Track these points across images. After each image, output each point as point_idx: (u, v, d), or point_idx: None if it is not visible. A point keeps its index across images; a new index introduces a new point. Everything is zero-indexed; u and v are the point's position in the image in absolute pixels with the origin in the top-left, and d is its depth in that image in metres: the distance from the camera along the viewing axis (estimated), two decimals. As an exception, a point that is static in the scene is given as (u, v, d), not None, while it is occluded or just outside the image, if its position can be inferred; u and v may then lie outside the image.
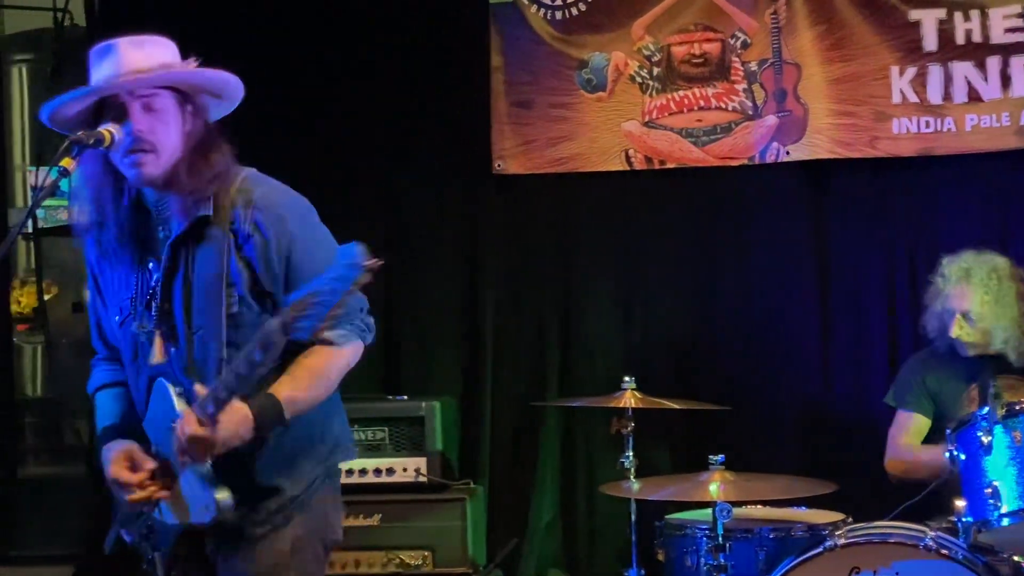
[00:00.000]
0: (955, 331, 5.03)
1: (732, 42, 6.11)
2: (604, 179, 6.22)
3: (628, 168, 6.19)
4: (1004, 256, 5.12)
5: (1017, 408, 4.18)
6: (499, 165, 6.27)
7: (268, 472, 3.36)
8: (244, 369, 3.04)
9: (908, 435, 5.15)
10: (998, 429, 4.18)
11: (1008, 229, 5.84)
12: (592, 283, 6.26)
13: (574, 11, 6.22)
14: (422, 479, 5.63)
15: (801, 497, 4.79)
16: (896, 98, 5.93)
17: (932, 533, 4.35)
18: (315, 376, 3.28)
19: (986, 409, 4.25)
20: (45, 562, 6.38)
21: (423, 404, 5.72)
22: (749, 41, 6.09)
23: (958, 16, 5.88)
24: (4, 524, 6.59)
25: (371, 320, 3.39)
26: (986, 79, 5.87)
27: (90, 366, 3.65)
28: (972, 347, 5.06)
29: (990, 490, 4.15)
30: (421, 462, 5.64)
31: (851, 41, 5.97)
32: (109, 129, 3.22)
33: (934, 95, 5.90)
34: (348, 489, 5.40)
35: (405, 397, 5.97)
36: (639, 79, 6.19)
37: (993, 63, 5.87)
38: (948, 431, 4.35)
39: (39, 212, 9.21)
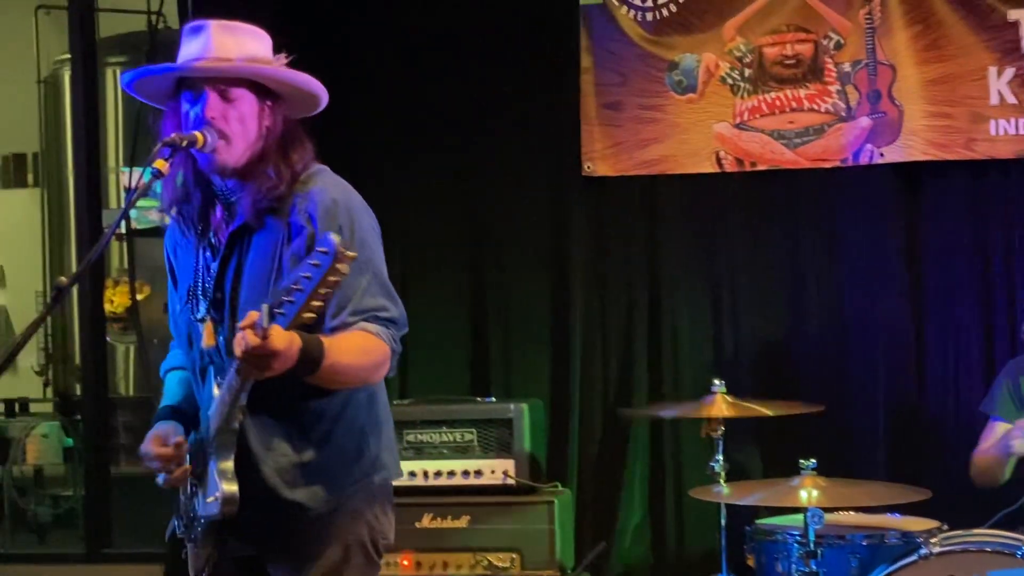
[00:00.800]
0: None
1: (825, 43, 6.05)
2: (694, 181, 6.18)
3: (719, 170, 6.15)
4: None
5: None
6: (588, 167, 6.25)
7: (289, 486, 3.32)
8: None
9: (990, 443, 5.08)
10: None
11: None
12: (681, 285, 6.23)
13: (664, 12, 6.19)
14: (510, 481, 5.62)
15: (895, 504, 4.72)
16: (994, 99, 5.83)
17: (1030, 542, 4.28)
18: (355, 348, 3.17)
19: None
20: (137, 560, 6.43)
21: (511, 406, 5.70)
22: (843, 42, 6.03)
23: (1059, 16, 5.80)
24: (97, 522, 6.65)
25: (399, 336, 3.30)
26: (1086, 81, 5.78)
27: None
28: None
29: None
30: (509, 464, 5.63)
31: (947, 41, 5.87)
32: (203, 132, 3.20)
33: (1033, 97, 5.82)
34: (436, 491, 5.57)
35: (493, 399, 5.97)
36: (730, 80, 6.14)
37: (1093, 64, 5.77)
38: None
39: (132, 213, 9.35)
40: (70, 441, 8.47)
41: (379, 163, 6.31)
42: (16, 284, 11.47)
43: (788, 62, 6.09)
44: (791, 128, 6.09)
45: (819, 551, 4.48)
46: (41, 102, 10.84)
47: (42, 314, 2.91)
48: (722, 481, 4.97)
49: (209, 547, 3.39)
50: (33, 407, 9.52)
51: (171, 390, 3.56)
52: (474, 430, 5.69)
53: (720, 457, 5.01)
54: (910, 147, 5.92)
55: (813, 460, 4.65)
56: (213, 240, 3.36)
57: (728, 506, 5.06)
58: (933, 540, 4.37)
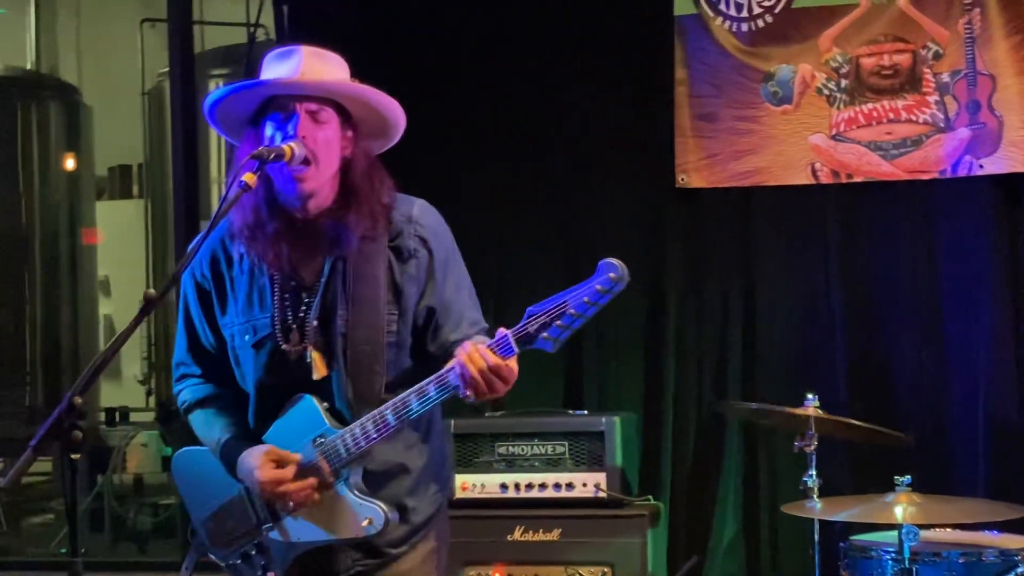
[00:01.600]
0: None
1: (923, 53, 5.97)
2: (789, 193, 6.13)
3: (814, 182, 6.09)
4: None
5: None
6: (682, 179, 6.23)
7: (405, 491, 3.39)
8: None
9: None
10: None
11: None
12: (776, 298, 6.18)
13: (760, 23, 6.15)
14: (602, 494, 5.59)
15: (992, 521, 4.63)
16: (1097, 109, 5.74)
17: None
18: None
19: None
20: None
21: (603, 419, 5.67)
22: (941, 52, 5.94)
23: None
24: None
25: None
26: None
27: (175, 382, 3.64)
28: None
29: None
30: (601, 477, 5.60)
31: (1050, 51, 5.79)
32: (291, 145, 3.22)
33: None
34: (528, 503, 5.55)
35: (585, 412, 5.96)
36: (826, 91, 6.08)
37: None
38: None
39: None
40: (169, 450, 8.58)
41: (476, 174, 6.34)
42: (121, 294, 11.68)
43: (885, 72, 6.02)
44: (888, 139, 6.02)
45: (914, 568, 4.42)
46: (145, 114, 11.03)
47: (129, 327, 2.93)
48: (815, 496, 4.91)
49: (296, 569, 3.40)
50: (133, 416, 9.67)
51: (219, 423, 3.50)
52: (566, 443, 5.67)
53: (813, 472, 4.95)
54: (1010, 158, 5.82)
55: (908, 476, 4.59)
56: (290, 271, 3.36)
57: (821, 522, 4.99)
58: (1032, 558, 4.30)
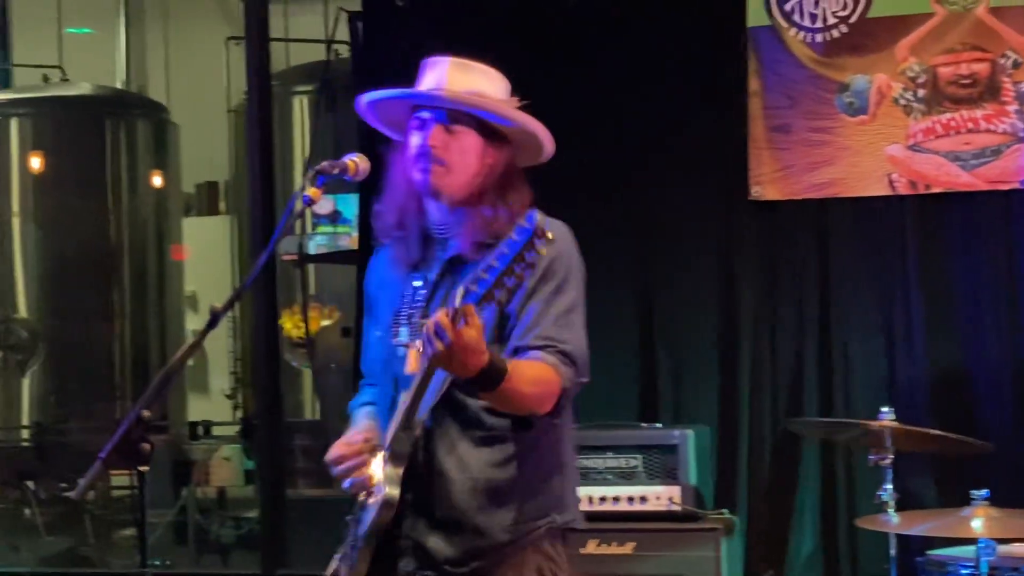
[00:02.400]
0: None
1: (1002, 62, 5.90)
2: (865, 204, 6.07)
3: (891, 193, 6.03)
4: None
5: None
6: (756, 191, 6.19)
7: (474, 508, 3.32)
8: None
9: None
10: None
11: None
12: (852, 311, 6.11)
13: (835, 33, 6.11)
14: (675, 508, 5.58)
15: (1071, 537, 4.58)
16: None
17: None
18: (532, 376, 3.21)
19: None
20: (312, 582, 6.54)
21: (676, 432, 5.66)
22: (1020, 61, 5.87)
23: None
24: (274, 545, 6.78)
25: (578, 380, 3.32)
26: None
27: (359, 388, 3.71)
28: None
29: None
30: (675, 491, 5.58)
31: None
32: (354, 160, 3.31)
33: None
34: (601, 516, 5.55)
35: (660, 425, 5.95)
36: (903, 101, 6.03)
37: None
38: None
39: (321, 239, 9.60)
40: (251, 464, 8.67)
41: (547, 186, 6.33)
42: (208, 309, 11.80)
43: (964, 82, 5.96)
44: (967, 149, 5.95)
45: (992, 583, 4.38)
46: (231, 131, 11.19)
47: (195, 340, 2.99)
48: (891, 510, 4.86)
49: (366, 564, 3.32)
50: (217, 430, 9.78)
51: (358, 422, 3.55)
52: (639, 456, 5.65)
53: (889, 486, 4.90)
54: (1091, 168, 5.75)
55: (985, 490, 4.54)
56: (423, 269, 3.42)
57: (899, 536, 4.95)
58: (1111, 574, 4.23)
